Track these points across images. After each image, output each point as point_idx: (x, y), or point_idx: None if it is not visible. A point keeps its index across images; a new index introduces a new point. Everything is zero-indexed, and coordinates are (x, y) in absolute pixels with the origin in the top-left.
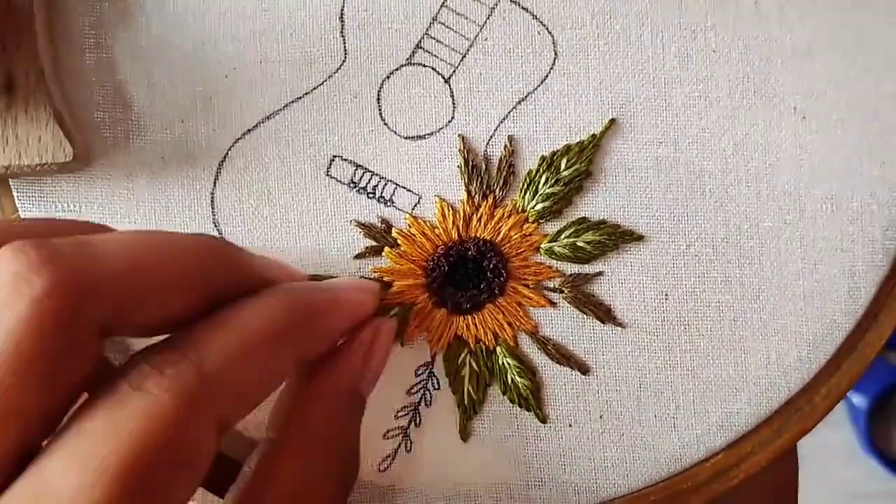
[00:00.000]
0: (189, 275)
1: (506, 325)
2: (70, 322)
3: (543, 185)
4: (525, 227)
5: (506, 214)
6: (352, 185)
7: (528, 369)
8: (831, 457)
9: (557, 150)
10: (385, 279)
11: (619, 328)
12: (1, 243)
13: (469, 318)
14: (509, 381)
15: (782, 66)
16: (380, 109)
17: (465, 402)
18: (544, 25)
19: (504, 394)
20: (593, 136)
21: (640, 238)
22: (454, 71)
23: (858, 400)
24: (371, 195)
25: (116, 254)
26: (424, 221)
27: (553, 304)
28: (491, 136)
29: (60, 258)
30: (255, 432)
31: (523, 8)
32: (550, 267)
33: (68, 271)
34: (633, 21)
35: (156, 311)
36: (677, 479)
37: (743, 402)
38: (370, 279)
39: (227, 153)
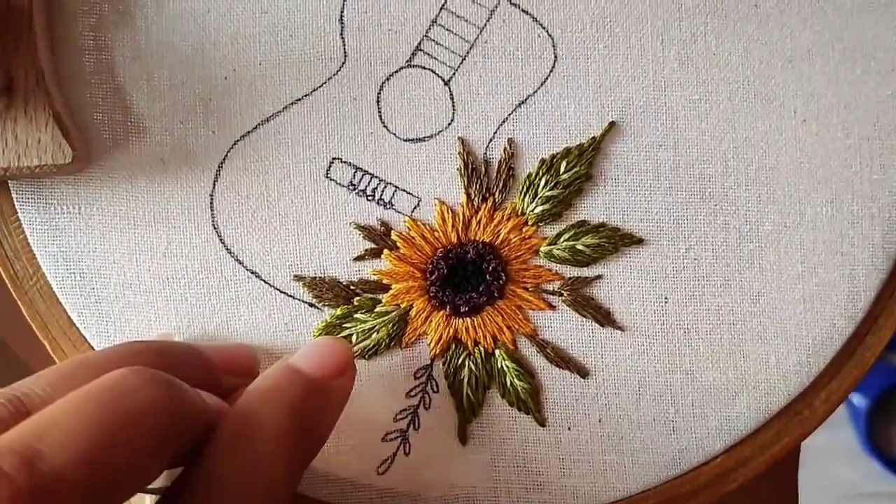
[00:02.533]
0: (149, 446)
1: (505, 328)
2: None
3: (543, 187)
4: (524, 230)
5: (505, 217)
6: (351, 187)
7: (526, 372)
8: (831, 457)
9: (557, 153)
10: (384, 281)
11: (619, 331)
12: None
13: (468, 320)
14: (508, 384)
15: (782, 68)
16: (379, 112)
17: (464, 404)
18: (544, 28)
19: (503, 397)
20: (593, 138)
21: (640, 241)
22: (454, 73)
23: (858, 400)
24: (370, 198)
25: (69, 449)
26: (424, 224)
27: (552, 307)
28: (490, 139)
29: (8, 484)
30: None
31: (523, 10)
32: (550, 270)
33: (19, 494)
34: (633, 24)
35: (130, 482)
36: (676, 483)
37: (742, 406)
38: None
39: (226, 155)
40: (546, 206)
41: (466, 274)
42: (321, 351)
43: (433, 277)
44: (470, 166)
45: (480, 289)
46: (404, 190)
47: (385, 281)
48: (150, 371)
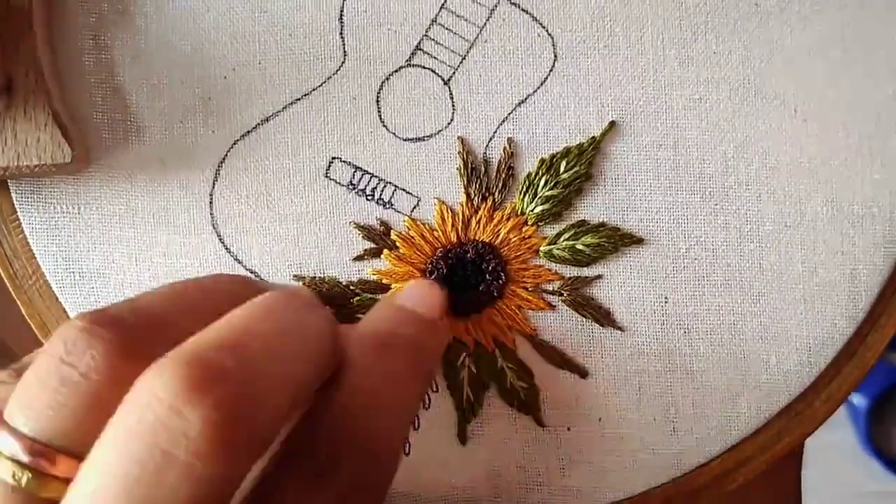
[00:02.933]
0: (322, 367)
1: (504, 328)
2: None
3: (543, 187)
4: (524, 229)
5: (505, 217)
6: (351, 186)
7: (526, 372)
8: (831, 457)
9: (557, 153)
10: (384, 281)
11: (619, 331)
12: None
13: (468, 320)
14: (508, 384)
15: (783, 67)
16: (379, 111)
17: (464, 404)
18: (544, 27)
19: (502, 397)
20: (593, 138)
21: (640, 241)
22: (453, 73)
23: (858, 400)
24: (370, 197)
25: (271, 365)
26: (423, 224)
27: (552, 307)
28: (490, 139)
29: (220, 385)
30: None
31: (523, 10)
32: (549, 270)
33: (230, 404)
34: (633, 23)
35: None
36: (677, 483)
37: (743, 407)
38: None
39: (226, 155)
40: (546, 206)
41: (466, 274)
42: (423, 291)
43: (432, 277)
44: (469, 166)
45: (480, 289)
46: (404, 189)
47: (385, 281)
48: (305, 292)
